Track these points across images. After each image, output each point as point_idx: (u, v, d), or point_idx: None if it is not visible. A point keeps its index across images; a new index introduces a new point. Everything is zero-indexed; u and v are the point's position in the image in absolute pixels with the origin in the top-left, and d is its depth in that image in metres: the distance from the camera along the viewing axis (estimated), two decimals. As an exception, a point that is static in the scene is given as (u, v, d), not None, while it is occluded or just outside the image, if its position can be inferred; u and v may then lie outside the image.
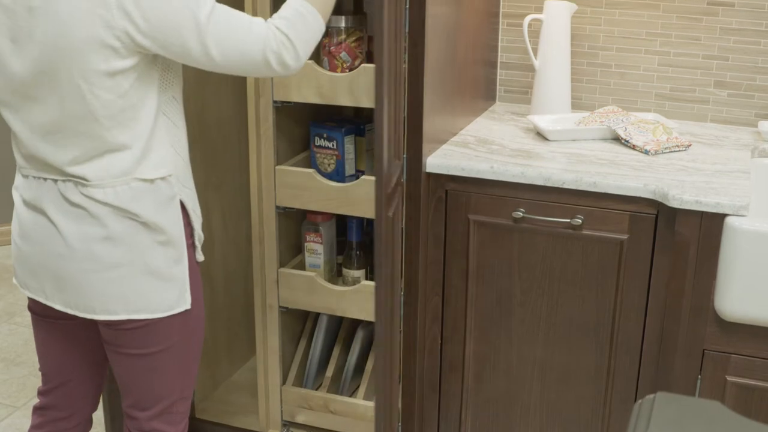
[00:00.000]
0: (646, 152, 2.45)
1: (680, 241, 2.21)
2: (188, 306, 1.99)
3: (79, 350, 2.13)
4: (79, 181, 1.86)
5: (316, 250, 2.68)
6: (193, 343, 2.08)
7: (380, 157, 2.04)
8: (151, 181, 1.88)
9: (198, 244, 2.05)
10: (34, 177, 1.91)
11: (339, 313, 2.65)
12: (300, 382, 2.84)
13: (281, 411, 2.80)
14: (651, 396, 1.23)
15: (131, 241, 1.89)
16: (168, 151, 1.92)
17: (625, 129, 2.53)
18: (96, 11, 1.71)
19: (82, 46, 1.73)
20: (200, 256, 2.07)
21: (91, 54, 1.74)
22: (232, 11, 1.83)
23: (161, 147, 1.90)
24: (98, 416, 2.50)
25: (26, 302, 2.11)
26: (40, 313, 2.08)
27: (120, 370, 2.06)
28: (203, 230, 2.82)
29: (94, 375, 2.18)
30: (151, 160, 1.88)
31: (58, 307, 1.97)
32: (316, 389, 2.84)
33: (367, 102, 2.42)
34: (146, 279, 1.92)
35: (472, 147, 2.50)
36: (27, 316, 3.67)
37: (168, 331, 1.99)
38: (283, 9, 1.90)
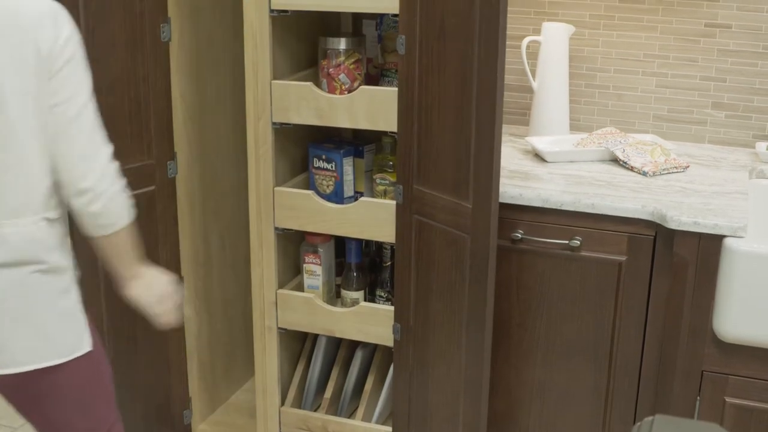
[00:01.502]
0: (644, 174, 2.46)
1: (678, 262, 2.21)
2: (90, 348, 1.90)
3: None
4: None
5: (314, 272, 2.68)
6: (102, 384, 2.00)
7: (498, 181, 2.14)
8: (52, 221, 1.83)
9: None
10: None
11: (338, 335, 2.65)
12: (299, 403, 2.83)
13: (280, 432, 2.80)
14: (650, 418, 1.24)
15: (35, 285, 1.81)
16: (56, 190, 1.84)
17: (623, 150, 2.53)
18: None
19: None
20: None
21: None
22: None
23: (56, 186, 1.83)
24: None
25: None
26: None
27: (39, 428, 1.98)
28: (201, 250, 2.84)
29: None
30: (53, 200, 1.82)
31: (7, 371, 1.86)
32: (315, 410, 2.83)
33: (365, 124, 2.42)
34: (49, 323, 1.84)
35: (470, 168, 2.51)
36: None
37: (71, 384, 1.91)
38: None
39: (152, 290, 1.98)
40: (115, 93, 2.43)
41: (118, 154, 1.85)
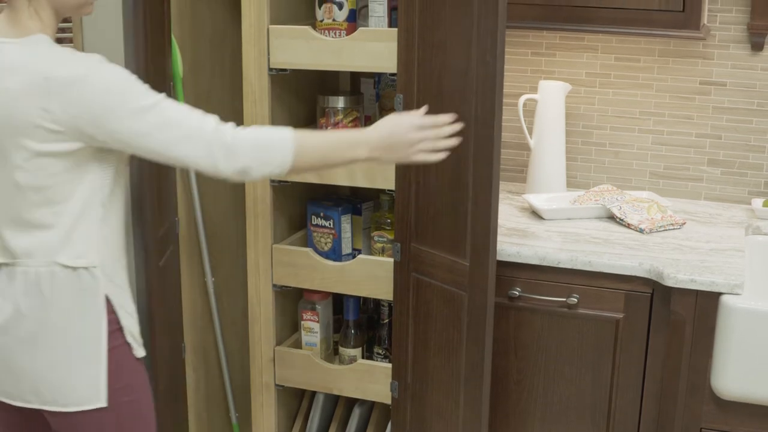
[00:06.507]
0: (641, 231, 2.47)
1: (676, 319, 2.21)
2: (103, 404, 1.87)
3: None
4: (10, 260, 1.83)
5: (312, 329, 2.68)
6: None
7: (495, 239, 2.16)
8: (74, 269, 1.83)
9: (131, 341, 1.92)
10: None
11: (335, 392, 2.64)
12: (296, 461, 2.82)
13: (277, 491, 2.78)
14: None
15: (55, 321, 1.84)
16: (96, 242, 1.86)
17: (620, 207, 2.54)
18: (35, 92, 1.73)
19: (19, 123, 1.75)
20: (140, 352, 1.95)
21: (28, 131, 1.75)
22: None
23: (88, 237, 1.85)
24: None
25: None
26: None
27: None
28: (199, 306, 2.83)
29: None
30: (75, 247, 1.84)
31: (18, 404, 1.88)
32: (313, 468, 2.82)
33: (363, 181, 2.44)
34: (67, 369, 1.86)
35: (467, 225, 2.51)
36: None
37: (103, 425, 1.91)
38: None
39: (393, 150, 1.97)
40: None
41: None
